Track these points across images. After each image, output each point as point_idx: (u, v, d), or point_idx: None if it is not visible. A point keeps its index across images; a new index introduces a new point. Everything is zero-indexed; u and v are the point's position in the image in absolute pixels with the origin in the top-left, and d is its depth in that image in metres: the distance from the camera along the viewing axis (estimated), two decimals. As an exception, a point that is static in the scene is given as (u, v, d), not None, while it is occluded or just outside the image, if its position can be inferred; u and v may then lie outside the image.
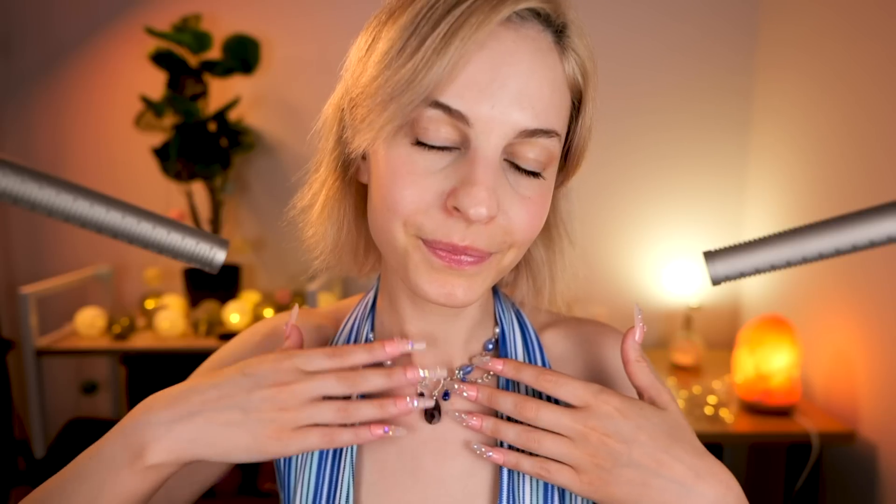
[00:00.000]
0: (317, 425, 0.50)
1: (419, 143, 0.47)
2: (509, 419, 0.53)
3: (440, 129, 0.47)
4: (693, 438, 0.51)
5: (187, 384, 0.51)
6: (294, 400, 0.49)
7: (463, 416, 0.54)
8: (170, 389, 0.51)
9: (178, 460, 0.48)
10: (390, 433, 0.53)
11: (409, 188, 0.47)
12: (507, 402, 0.52)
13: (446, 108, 0.46)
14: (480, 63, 0.46)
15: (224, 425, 0.48)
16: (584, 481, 0.50)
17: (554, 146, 0.49)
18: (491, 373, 0.60)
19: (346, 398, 0.52)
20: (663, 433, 0.50)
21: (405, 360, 0.60)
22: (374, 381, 0.52)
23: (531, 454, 0.52)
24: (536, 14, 0.48)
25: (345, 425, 0.52)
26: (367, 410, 0.51)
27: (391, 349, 0.53)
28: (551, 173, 0.51)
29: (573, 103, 0.52)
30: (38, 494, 0.50)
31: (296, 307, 0.59)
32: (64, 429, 2.14)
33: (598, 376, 0.61)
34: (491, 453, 0.53)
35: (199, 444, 0.48)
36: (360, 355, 0.52)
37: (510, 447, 0.54)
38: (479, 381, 0.60)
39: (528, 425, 0.51)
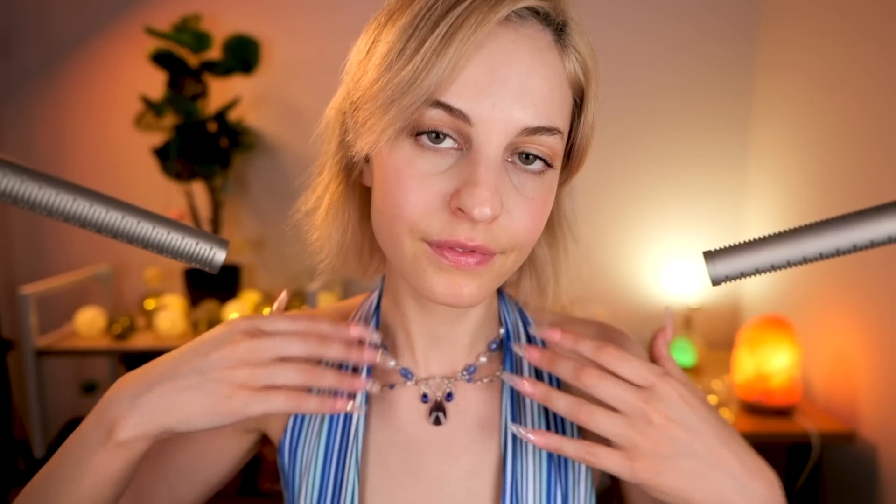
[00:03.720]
0: (283, 388, 0.48)
1: (421, 145, 0.47)
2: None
3: (442, 130, 0.47)
4: (740, 436, 0.50)
5: (155, 360, 0.50)
6: (252, 356, 0.48)
7: (513, 375, 0.51)
8: (139, 368, 0.50)
9: (146, 434, 0.47)
10: (353, 409, 0.50)
11: (413, 191, 0.47)
12: (566, 367, 0.49)
13: (448, 108, 0.46)
14: (480, 63, 0.46)
15: (181, 391, 0.47)
16: (637, 467, 0.47)
17: (556, 144, 0.49)
18: (496, 373, 0.60)
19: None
20: (722, 427, 0.49)
21: (408, 359, 0.60)
22: (335, 349, 0.50)
23: (574, 439, 0.49)
24: (535, 13, 0.48)
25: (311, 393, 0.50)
26: (331, 377, 0.49)
27: (355, 330, 0.51)
28: (554, 171, 0.51)
29: (575, 101, 0.52)
30: (31, 482, 0.52)
31: (284, 292, 0.58)
32: (64, 429, 2.14)
33: None
34: (531, 436, 0.49)
35: (160, 414, 0.47)
36: (324, 326, 0.51)
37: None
38: (484, 381, 0.60)
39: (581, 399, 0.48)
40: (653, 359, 0.52)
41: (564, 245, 0.61)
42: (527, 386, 0.50)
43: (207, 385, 0.47)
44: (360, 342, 0.52)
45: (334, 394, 0.54)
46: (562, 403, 0.48)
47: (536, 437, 0.49)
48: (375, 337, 0.52)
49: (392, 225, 0.49)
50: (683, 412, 0.47)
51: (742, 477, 0.47)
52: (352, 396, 0.52)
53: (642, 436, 0.46)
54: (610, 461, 0.47)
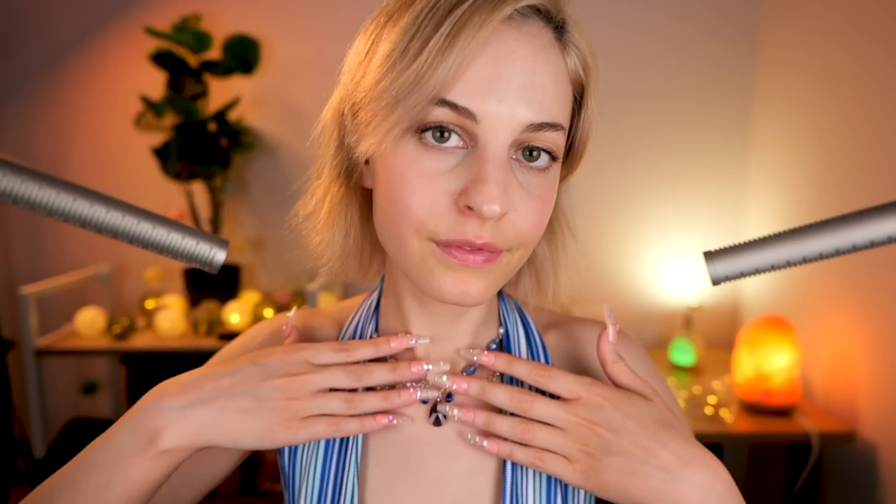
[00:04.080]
0: (324, 416, 0.52)
1: (426, 144, 0.47)
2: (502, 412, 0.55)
3: (447, 128, 0.47)
4: (683, 428, 0.52)
5: (199, 372, 0.52)
6: (303, 390, 0.51)
7: (455, 410, 0.55)
8: (180, 377, 0.52)
9: (192, 445, 0.49)
10: (395, 422, 0.54)
11: (420, 191, 0.47)
12: (501, 395, 0.53)
13: (453, 106, 0.46)
14: (484, 61, 0.46)
15: (236, 412, 0.50)
16: (577, 470, 0.51)
17: (559, 140, 0.50)
18: (496, 374, 0.60)
19: (353, 391, 0.54)
20: (652, 421, 0.51)
21: (409, 356, 0.60)
22: (380, 374, 0.54)
23: (525, 445, 0.53)
24: (537, 11, 0.48)
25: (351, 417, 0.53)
26: (373, 401, 0.53)
27: (396, 344, 0.55)
28: (556, 168, 0.52)
29: (575, 98, 0.52)
30: (45, 488, 0.50)
31: (294, 308, 0.60)
32: (64, 429, 2.14)
33: (600, 377, 0.61)
34: (485, 443, 0.54)
35: (212, 429, 0.49)
36: (365, 350, 0.55)
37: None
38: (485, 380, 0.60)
39: (522, 418, 0.52)
40: (600, 362, 0.54)
41: (563, 242, 0.61)
42: (468, 415, 0.54)
43: (262, 412, 0.50)
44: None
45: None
46: (505, 426, 0.53)
47: (490, 445, 0.54)
48: (421, 340, 0.57)
49: (398, 225, 0.49)
50: (608, 415, 0.51)
51: (672, 467, 0.49)
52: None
53: (576, 443, 0.51)
54: (555, 466, 0.51)
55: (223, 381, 0.51)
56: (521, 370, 0.54)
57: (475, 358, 0.56)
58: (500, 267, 0.50)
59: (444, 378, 0.55)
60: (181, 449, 0.49)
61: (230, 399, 0.50)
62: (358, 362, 0.55)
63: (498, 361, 0.55)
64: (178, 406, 0.49)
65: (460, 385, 0.54)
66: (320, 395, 0.52)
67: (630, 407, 0.51)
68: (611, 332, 0.54)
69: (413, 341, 0.56)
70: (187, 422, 0.49)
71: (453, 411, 0.55)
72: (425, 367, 0.55)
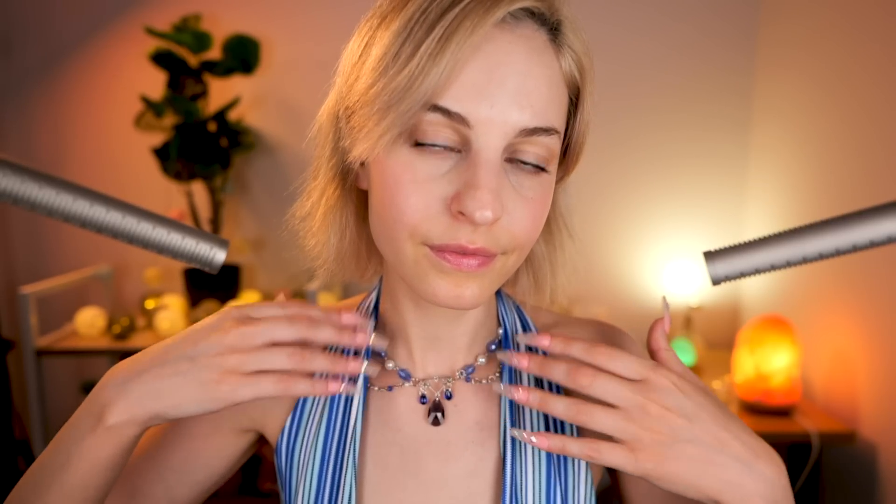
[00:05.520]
0: (271, 373, 0.48)
1: (419, 148, 0.47)
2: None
3: (440, 133, 0.47)
4: (740, 420, 0.50)
5: (146, 349, 0.51)
6: (242, 342, 0.48)
7: (502, 387, 0.50)
8: (132, 356, 0.51)
9: (134, 418, 0.48)
10: (348, 389, 0.50)
11: (413, 196, 0.47)
12: (560, 370, 0.49)
13: (445, 112, 0.46)
14: (477, 65, 0.46)
15: (170, 376, 0.48)
16: (641, 458, 0.47)
17: (554, 143, 0.49)
18: (495, 374, 0.60)
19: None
20: (720, 410, 0.49)
21: (407, 357, 0.60)
22: (326, 331, 0.50)
23: (578, 438, 0.49)
24: (531, 13, 0.48)
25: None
26: (321, 360, 0.49)
27: (347, 318, 0.51)
28: (552, 171, 0.51)
29: (571, 99, 0.52)
30: (27, 471, 0.52)
31: (281, 294, 0.58)
32: (64, 429, 2.14)
33: None
34: (534, 438, 0.49)
35: (150, 399, 0.48)
36: (315, 311, 0.51)
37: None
38: (484, 381, 0.60)
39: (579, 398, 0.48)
40: (650, 349, 0.52)
41: (561, 242, 0.61)
42: (521, 394, 0.49)
43: (196, 371, 0.47)
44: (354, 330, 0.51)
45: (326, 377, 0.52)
46: (560, 407, 0.48)
47: (539, 440, 0.49)
48: (370, 329, 0.52)
49: (392, 230, 0.49)
50: (679, 400, 0.47)
51: (747, 458, 0.47)
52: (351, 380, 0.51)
53: (642, 428, 0.47)
54: (613, 456, 0.47)
55: (160, 351, 0.49)
56: (579, 349, 0.49)
57: (510, 361, 0.51)
58: (494, 270, 0.50)
59: (508, 360, 0.51)
60: (125, 423, 0.48)
61: (165, 365, 0.48)
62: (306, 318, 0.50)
63: (554, 343, 0.50)
64: (121, 381, 0.48)
65: (520, 361, 0.50)
66: (262, 349, 0.48)
67: (700, 394, 0.48)
68: (666, 322, 0.52)
69: (368, 332, 0.51)
70: (127, 395, 0.48)
71: (501, 387, 0.50)
72: (371, 339, 0.51)
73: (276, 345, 0.49)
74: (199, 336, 0.48)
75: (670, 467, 0.47)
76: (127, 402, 0.48)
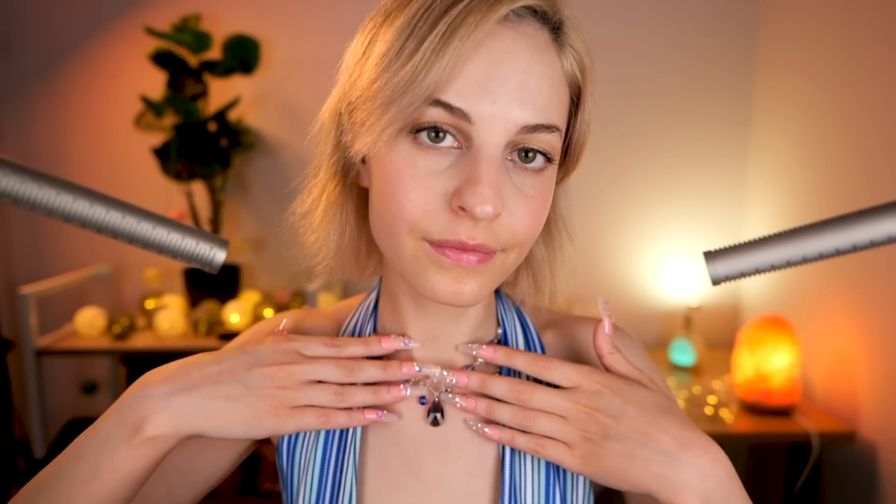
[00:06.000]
0: (312, 407, 0.52)
1: (420, 144, 0.47)
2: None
3: (441, 129, 0.47)
4: (681, 413, 0.52)
5: (186, 360, 0.52)
6: (292, 379, 0.51)
7: (457, 398, 0.55)
8: (166, 365, 0.51)
9: (177, 432, 0.48)
10: (383, 418, 0.55)
11: (414, 191, 0.47)
12: (501, 387, 0.54)
13: (447, 107, 0.46)
14: (479, 62, 0.46)
15: (223, 399, 0.49)
16: (577, 455, 0.51)
17: (555, 141, 0.50)
18: (494, 374, 0.60)
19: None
20: (651, 407, 0.51)
21: (406, 357, 0.60)
22: (370, 371, 0.54)
23: (526, 433, 0.53)
24: (533, 12, 0.48)
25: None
26: (362, 395, 0.54)
27: (387, 345, 0.56)
28: (552, 170, 0.51)
29: (572, 99, 0.52)
30: (34, 483, 0.50)
31: (284, 320, 0.61)
32: (64, 429, 2.15)
33: None
34: (487, 429, 0.55)
35: (198, 416, 0.49)
36: (356, 348, 0.55)
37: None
38: None
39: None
40: (596, 354, 0.55)
41: (560, 243, 0.62)
42: (470, 402, 0.55)
43: (249, 399, 0.50)
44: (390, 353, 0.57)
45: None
46: (506, 413, 0.53)
47: (491, 431, 0.54)
48: (412, 343, 0.57)
49: (392, 225, 0.49)
50: (607, 400, 0.51)
51: (672, 450, 0.49)
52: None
53: (576, 429, 0.51)
54: (554, 452, 0.52)
55: (210, 369, 0.50)
56: (520, 361, 0.55)
57: (474, 352, 0.57)
58: (493, 267, 0.50)
59: (445, 373, 0.56)
60: (166, 436, 0.48)
61: (217, 386, 0.50)
62: (349, 359, 0.55)
63: (497, 354, 0.56)
64: (164, 393, 0.48)
65: (461, 379, 0.55)
66: (309, 386, 0.52)
67: (629, 393, 0.52)
68: (606, 324, 0.55)
69: (405, 343, 0.57)
70: (172, 408, 0.48)
71: (455, 398, 0.55)
72: (416, 368, 0.55)
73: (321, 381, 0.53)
74: (251, 362, 0.51)
75: (600, 464, 0.50)
76: (171, 414, 0.48)
